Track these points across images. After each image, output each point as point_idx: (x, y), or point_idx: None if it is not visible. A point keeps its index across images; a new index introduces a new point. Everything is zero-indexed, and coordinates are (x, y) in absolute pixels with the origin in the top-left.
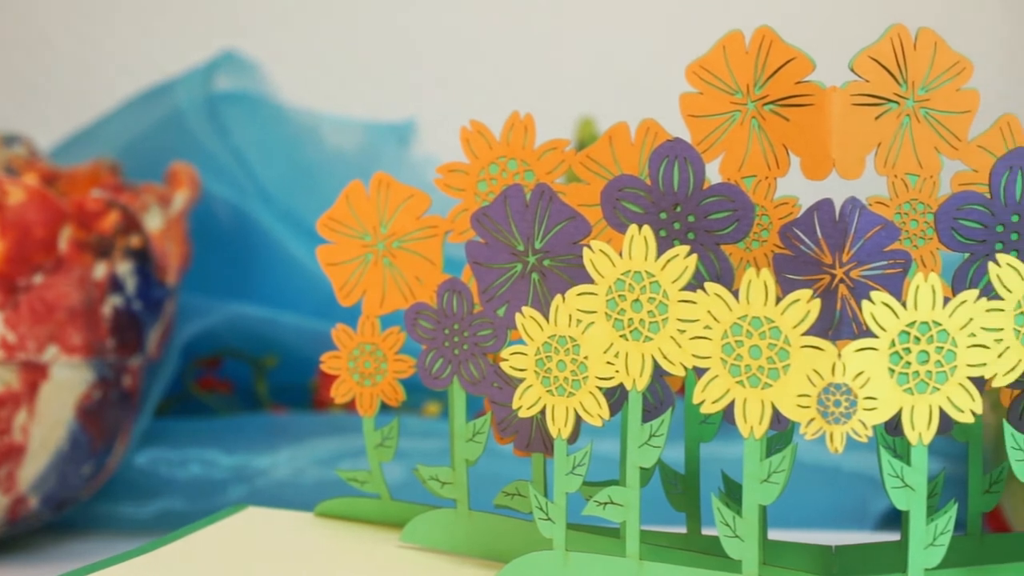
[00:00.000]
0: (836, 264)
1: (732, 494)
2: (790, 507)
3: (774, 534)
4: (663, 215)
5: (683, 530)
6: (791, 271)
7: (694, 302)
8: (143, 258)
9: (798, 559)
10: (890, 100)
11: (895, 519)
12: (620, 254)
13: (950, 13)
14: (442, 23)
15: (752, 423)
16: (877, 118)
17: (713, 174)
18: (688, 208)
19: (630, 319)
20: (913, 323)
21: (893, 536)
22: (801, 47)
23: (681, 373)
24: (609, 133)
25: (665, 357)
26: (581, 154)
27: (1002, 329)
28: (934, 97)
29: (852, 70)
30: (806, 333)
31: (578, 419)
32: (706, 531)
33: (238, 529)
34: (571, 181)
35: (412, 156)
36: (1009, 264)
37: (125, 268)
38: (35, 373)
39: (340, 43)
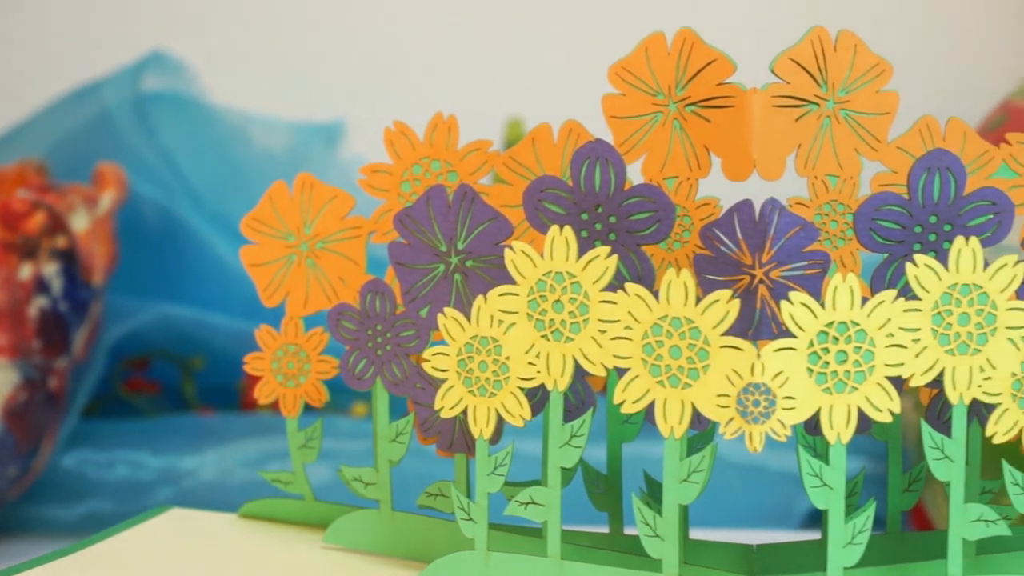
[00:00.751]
0: (756, 265)
1: (653, 494)
2: (715, 506)
3: (699, 533)
4: (584, 216)
5: (606, 530)
6: (711, 272)
7: (615, 302)
8: (69, 259)
9: (719, 558)
10: (810, 102)
11: (820, 518)
12: (542, 255)
13: (871, 15)
14: (371, 24)
15: (672, 423)
16: (797, 120)
17: (636, 175)
18: (609, 209)
19: (551, 319)
20: (831, 323)
21: (817, 535)
22: (722, 49)
23: (602, 373)
24: (532, 134)
25: (586, 357)
26: (504, 155)
27: (919, 329)
28: (854, 99)
29: (773, 72)
30: (726, 333)
31: (500, 419)
32: (629, 531)
33: (162, 531)
34: (497, 182)
35: (341, 157)
36: (927, 265)
37: (51, 269)
38: None
39: (269, 43)
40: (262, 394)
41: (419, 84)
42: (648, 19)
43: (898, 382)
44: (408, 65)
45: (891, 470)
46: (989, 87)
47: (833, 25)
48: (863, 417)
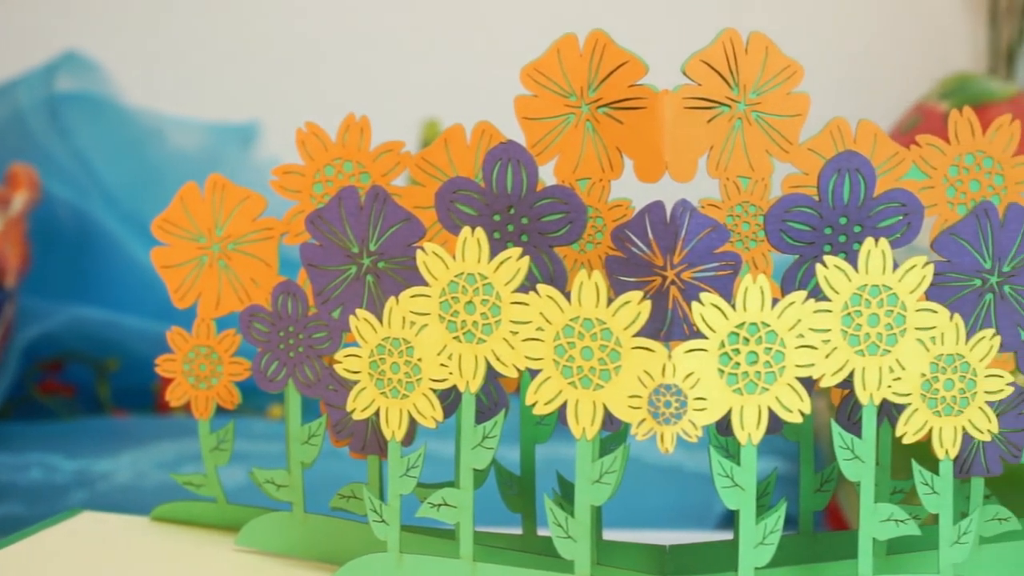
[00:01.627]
0: (667, 266)
1: (566, 495)
2: (632, 507)
3: (615, 534)
4: (497, 217)
5: (519, 531)
6: (623, 273)
7: (527, 304)
8: None
9: (631, 559)
10: (722, 104)
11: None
12: (454, 256)
13: (784, 18)
14: (287, 25)
15: (584, 424)
16: (709, 121)
17: (549, 177)
18: (521, 210)
19: (463, 321)
20: (742, 324)
21: (731, 535)
22: (634, 50)
23: (514, 375)
24: (445, 135)
25: (498, 359)
26: (417, 156)
27: (829, 330)
28: (765, 101)
29: (684, 74)
30: (637, 334)
31: (412, 421)
32: (542, 532)
33: (73, 534)
34: (412, 183)
35: (256, 157)
36: (836, 266)
37: None
38: None
39: (184, 44)
40: (174, 396)
41: (335, 85)
42: (563, 20)
43: (809, 383)
44: (324, 66)
45: (803, 470)
46: (903, 89)
47: (746, 28)
48: (774, 418)
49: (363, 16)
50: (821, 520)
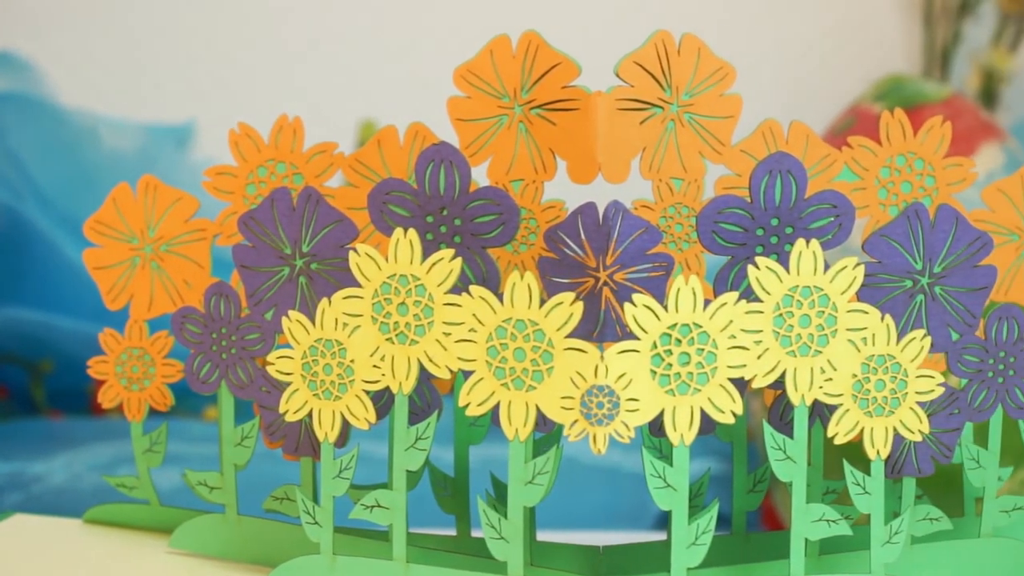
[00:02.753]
0: (600, 267)
1: (500, 496)
2: (569, 508)
3: (552, 535)
4: (429, 218)
5: (454, 532)
6: (556, 274)
7: (459, 305)
8: None
9: (565, 560)
10: (655, 105)
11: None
12: (387, 258)
13: (719, 20)
14: (222, 25)
15: (517, 425)
16: (642, 123)
17: (483, 178)
18: (454, 211)
19: (396, 322)
20: (674, 325)
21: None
22: (567, 52)
23: (447, 376)
24: (378, 137)
25: (431, 360)
26: (350, 157)
27: (761, 331)
28: (698, 102)
29: (617, 75)
30: (570, 335)
31: (345, 422)
32: (477, 533)
33: (5, 537)
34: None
35: (192, 158)
36: (768, 267)
37: None
38: None
39: (119, 44)
40: (106, 398)
41: (272, 86)
42: (499, 22)
43: (741, 384)
44: (261, 67)
45: (736, 471)
46: (839, 91)
47: (680, 29)
48: (707, 418)
49: (300, 17)
50: (756, 520)
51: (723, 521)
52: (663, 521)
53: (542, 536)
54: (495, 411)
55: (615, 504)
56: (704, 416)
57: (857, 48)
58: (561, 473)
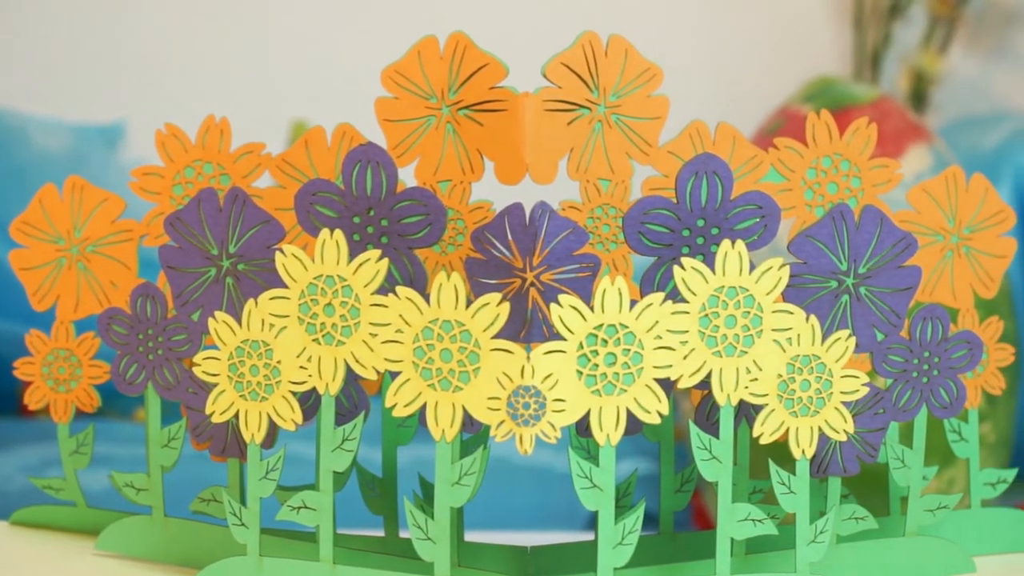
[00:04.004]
0: (527, 268)
1: (428, 497)
2: (501, 508)
3: (482, 535)
4: (356, 219)
5: (382, 533)
6: (482, 275)
7: (386, 306)
8: None
9: (493, 560)
10: (582, 106)
11: None
12: (313, 258)
13: (651, 22)
14: (155, 24)
15: (443, 426)
16: (569, 124)
17: (411, 179)
18: (381, 212)
19: (322, 323)
20: (600, 326)
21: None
22: (495, 53)
23: (373, 377)
24: (305, 137)
25: (358, 361)
26: (277, 158)
27: (687, 331)
28: (625, 103)
29: (545, 76)
30: (497, 336)
31: (272, 424)
32: (405, 534)
33: None
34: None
35: (122, 159)
36: (694, 268)
37: None
38: None
39: (48, 43)
40: (33, 399)
41: (203, 86)
42: (429, 22)
43: (667, 384)
44: (192, 67)
45: (663, 471)
46: (769, 93)
47: (610, 31)
48: (633, 419)
49: (233, 16)
50: (687, 520)
51: (652, 521)
52: (594, 521)
53: (473, 536)
54: (422, 412)
55: (547, 504)
56: (631, 416)
57: (788, 50)
58: (493, 474)
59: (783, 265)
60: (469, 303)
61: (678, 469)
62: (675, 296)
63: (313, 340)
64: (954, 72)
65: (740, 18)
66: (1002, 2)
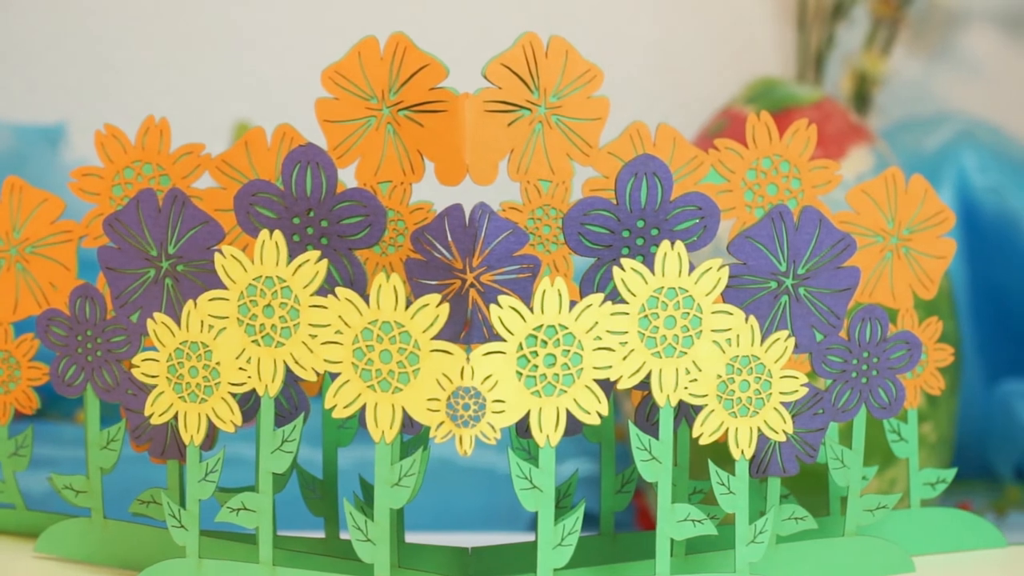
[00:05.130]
0: (467, 269)
1: (369, 498)
2: (444, 509)
3: (424, 536)
4: (296, 220)
5: (323, 535)
6: (422, 276)
7: (325, 307)
8: None
9: (433, 561)
10: (522, 107)
11: None
12: (253, 259)
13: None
14: (97, 24)
15: (383, 427)
16: (510, 124)
17: (352, 180)
18: (321, 213)
19: (262, 324)
20: (540, 327)
21: None
22: (435, 54)
23: (313, 378)
24: (245, 138)
25: (297, 362)
26: (217, 159)
27: (627, 332)
28: (566, 104)
29: (485, 77)
30: (437, 337)
31: (212, 425)
32: (346, 535)
33: None
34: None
35: (64, 159)
36: (633, 268)
37: None
38: None
39: None
40: None
41: (146, 86)
42: (370, 23)
43: (607, 384)
44: (134, 67)
45: (604, 472)
46: (713, 93)
47: (552, 31)
48: (573, 419)
49: (177, 17)
50: (631, 521)
51: (594, 522)
52: (536, 522)
53: (416, 538)
54: (362, 413)
55: (490, 505)
56: (570, 417)
57: (732, 51)
58: (436, 475)
59: (722, 266)
60: (409, 304)
61: (619, 470)
62: (615, 297)
63: (252, 341)
64: (897, 73)
65: (683, 19)
66: (944, 4)
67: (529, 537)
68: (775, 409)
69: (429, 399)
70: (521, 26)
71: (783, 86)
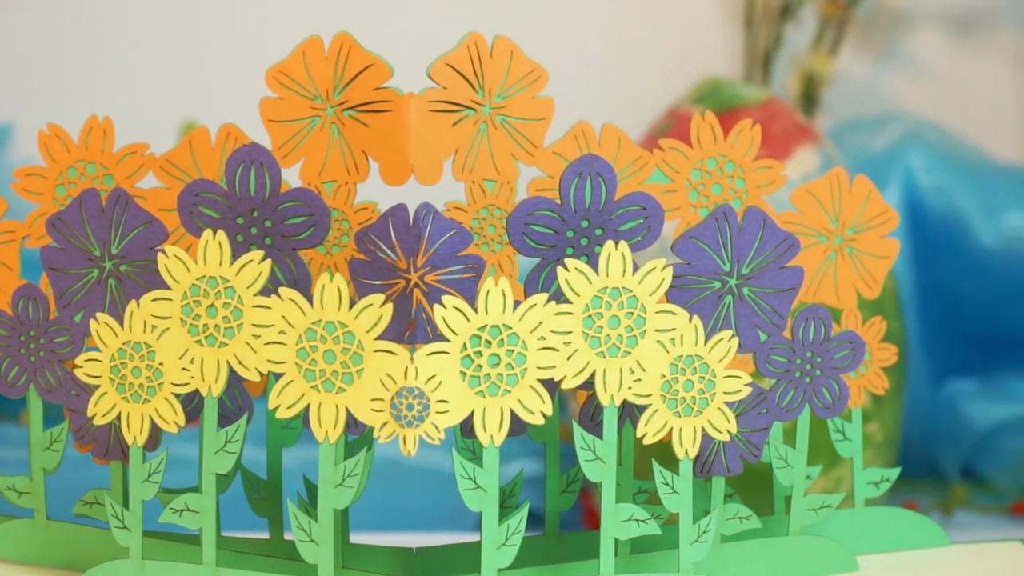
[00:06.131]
0: (411, 269)
1: (314, 499)
2: (391, 510)
3: (370, 537)
4: (240, 220)
5: (267, 536)
6: (367, 276)
7: (269, 307)
8: None
9: (378, 562)
10: (467, 107)
11: None
12: (196, 259)
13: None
14: (44, 23)
15: (327, 427)
16: (454, 124)
17: (297, 180)
18: (265, 213)
19: (205, 324)
20: (484, 327)
21: None
22: (380, 53)
23: (256, 378)
24: (189, 138)
25: (240, 362)
26: (161, 158)
27: (571, 332)
28: (510, 104)
29: (429, 77)
30: (381, 337)
31: (155, 426)
32: (290, 536)
33: None
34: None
35: (9, 159)
36: (577, 268)
37: None
38: None
39: None
40: None
41: (93, 86)
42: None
43: (551, 384)
44: (81, 66)
45: (549, 472)
46: (661, 94)
47: (499, 31)
48: (517, 419)
49: (123, 16)
50: (577, 521)
51: (540, 522)
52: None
53: (362, 538)
54: (306, 413)
55: (437, 505)
56: (515, 417)
57: (680, 51)
58: (383, 475)
59: (666, 266)
60: (353, 304)
61: (564, 470)
62: (559, 297)
63: (196, 341)
64: (844, 74)
65: (631, 20)
66: (892, 4)
67: (475, 537)
68: (719, 409)
69: (373, 399)
70: (467, 26)
71: (730, 86)
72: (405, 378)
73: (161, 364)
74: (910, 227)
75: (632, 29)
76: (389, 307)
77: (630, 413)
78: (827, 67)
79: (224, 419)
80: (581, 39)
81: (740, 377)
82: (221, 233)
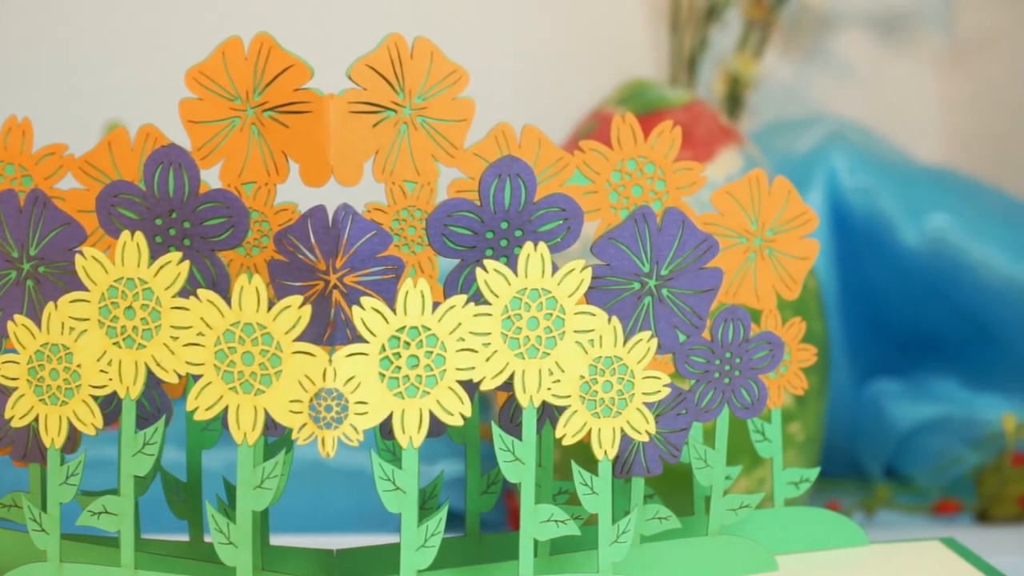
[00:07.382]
0: (330, 270)
1: (233, 501)
2: (316, 511)
3: (292, 539)
4: (159, 221)
5: (187, 538)
6: (286, 277)
7: (187, 308)
8: None
9: (298, 564)
10: (387, 108)
11: None
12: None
13: (464, 22)
14: None
15: (245, 429)
16: (375, 126)
17: (216, 181)
18: (184, 214)
19: (123, 326)
20: (403, 328)
21: None
22: (300, 54)
23: (175, 380)
24: (108, 138)
25: (159, 364)
26: (80, 159)
27: (490, 333)
28: (431, 105)
29: (350, 78)
30: (299, 339)
31: (73, 428)
32: (210, 538)
33: None
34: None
35: None
36: (496, 270)
37: None
38: None
39: None
40: None
41: (16, 86)
42: (236, 23)
43: (470, 386)
44: (5, 66)
45: (469, 473)
46: (587, 95)
47: (418, 33)
48: (437, 421)
49: (47, 15)
50: (502, 521)
51: (462, 523)
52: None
53: (284, 540)
54: (225, 415)
55: (361, 507)
56: (434, 418)
57: (605, 53)
58: (307, 476)
59: (585, 267)
60: (271, 305)
61: (486, 471)
62: (478, 298)
63: (114, 343)
64: (769, 76)
65: (557, 21)
66: (816, 6)
67: (396, 538)
68: (638, 409)
69: (291, 401)
70: (388, 27)
71: (654, 88)
72: (324, 379)
73: (79, 366)
74: (834, 228)
75: (559, 30)
76: (308, 308)
77: (550, 414)
78: (752, 69)
79: (143, 421)
80: (509, 40)
81: (659, 378)
82: (139, 234)
